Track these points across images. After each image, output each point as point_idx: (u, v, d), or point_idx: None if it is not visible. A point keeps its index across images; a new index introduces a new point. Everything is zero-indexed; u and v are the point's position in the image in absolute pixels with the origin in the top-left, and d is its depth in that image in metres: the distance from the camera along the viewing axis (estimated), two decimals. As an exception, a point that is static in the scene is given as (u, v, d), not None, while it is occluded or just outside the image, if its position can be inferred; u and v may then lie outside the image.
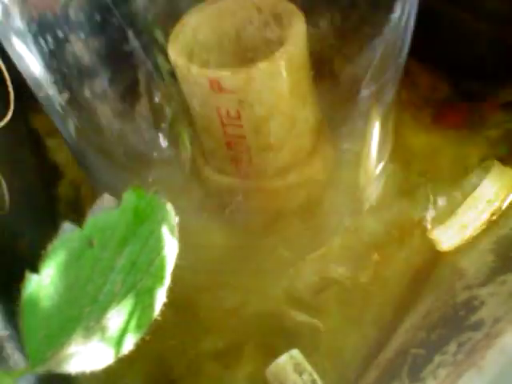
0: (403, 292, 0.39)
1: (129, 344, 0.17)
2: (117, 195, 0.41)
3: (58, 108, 0.36)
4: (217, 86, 0.33)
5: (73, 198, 0.46)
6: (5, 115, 0.32)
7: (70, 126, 0.37)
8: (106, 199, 0.18)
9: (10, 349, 0.26)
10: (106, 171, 0.41)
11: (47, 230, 0.42)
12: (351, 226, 0.43)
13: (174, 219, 0.18)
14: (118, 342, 0.16)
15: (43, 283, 0.16)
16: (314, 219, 0.43)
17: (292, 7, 0.35)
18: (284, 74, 0.33)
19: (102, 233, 0.17)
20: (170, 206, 0.18)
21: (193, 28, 0.37)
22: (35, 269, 0.38)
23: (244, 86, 0.33)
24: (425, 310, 0.32)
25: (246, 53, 0.40)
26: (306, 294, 0.41)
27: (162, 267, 0.17)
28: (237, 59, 0.40)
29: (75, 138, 0.38)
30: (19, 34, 0.31)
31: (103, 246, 0.17)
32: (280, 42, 0.38)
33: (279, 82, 0.34)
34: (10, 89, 0.27)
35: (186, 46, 0.36)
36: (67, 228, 0.17)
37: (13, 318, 0.31)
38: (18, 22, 0.31)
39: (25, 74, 0.33)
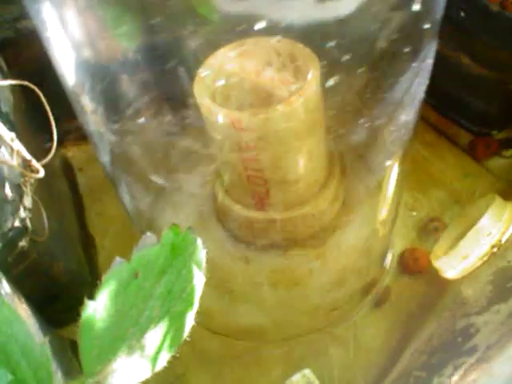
0: (410, 318, 0.41)
1: (163, 361, 0.20)
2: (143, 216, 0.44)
3: (106, 139, 0.39)
4: (238, 125, 0.36)
5: (100, 226, 0.49)
6: (44, 149, 0.35)
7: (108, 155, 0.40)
8: (149, 237, 0.20)
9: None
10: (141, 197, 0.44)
11: (79, 255, 0.45)
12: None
13: (203, 252, 0.21)
14: (154, 359, 0.19)
15: (98, 309, 0.19)
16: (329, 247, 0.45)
17: (308, 51, 0.38)
18: (300, 114, 0.36)
19: (145, 266, 0.20)
20: (199, 241, 0.21)
21: (216, 69, 0.40)
22: (71, 291, 0.41)
23: (263, 126, 0.36)
24: (428, 335, 0.35)
25: (266, 90, 0.43)
26: (319, 312, 0.43)
27: (191, 294, 0.19)
28: (257, 96, 0.43)
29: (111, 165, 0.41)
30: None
31: (146, 276, 0.19)
32: (297, 80, 0.41)
33: (296, 122, 0.36)
34: (54, 131, 0.31)
35: (209, 86, 0.39)
36: (117, 261, 0.20)
37: (48, 334, 0.34)
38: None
39: (77, 109, 0.36)
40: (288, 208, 0.42)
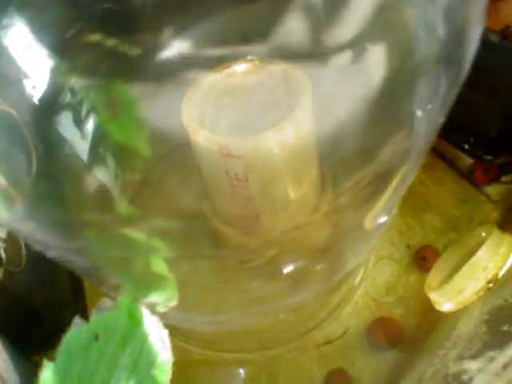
0: (403, 350, 0.40)
1: None
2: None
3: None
4: (226, 151, 0.34)
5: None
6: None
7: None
8: (105, 301, 0.19)
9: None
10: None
11: (61, 282, 0.44)
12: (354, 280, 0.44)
13: (163, 332, 0.19)
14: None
15: (57, 369, 0.18)
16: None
17: (301, 75, 0.37)
18: (291, 141, 0.35)
19: (106, 329, 0.18)
20: (155, 320, 0.19)
21: (205, 90, 0.38)
22: (52, 316, 0.40)
23: (252, 153, 0.34)
24: (420, 375, 0.33)
25: (257, 112, 0.42)
26: (310, 346, 0.42)
27: (162, 372, 0.18)
28: (247, 118, 0.42)
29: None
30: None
31: (107, 341, 0.18)
32: (289, 102, 0.39)
33: (286, 148, 0.35)
34: (33, 155, 0.29)
35: (197, 108, 0.38)
36: (77, 322, 0.19)
37: (26, 370, 0.32)
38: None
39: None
40: (278, 234, 0.41)
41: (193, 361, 0.41)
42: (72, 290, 0.43)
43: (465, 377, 0.28)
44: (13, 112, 0.31)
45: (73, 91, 0.31)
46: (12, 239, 0.33)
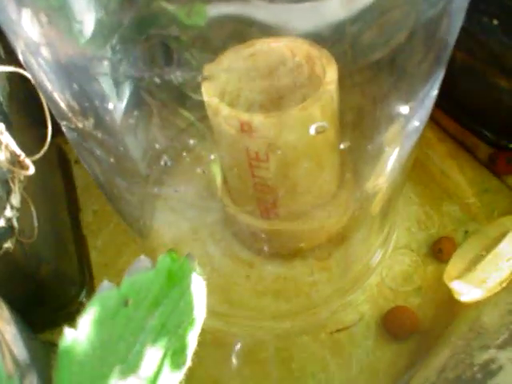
0: (419, 341, 0.39)
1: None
2: (139, 225, 0.42)
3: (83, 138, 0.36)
4: (248, 129, 0.33)
5: (94, 224, 0.47)
6: (41, 143, 0.33)
7: (95, 155, 0.37)
8: (142, 261, 0.18)
9: (31, 380, 0.26)
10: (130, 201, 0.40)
11: (70, 259, 0.43)
12: (372, 268, 0.43)
13: (203, 284, 0.18)
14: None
15: (79, 338, 0.17)
16: (334, 259, 0.43)
17: (325, 53, 0.36)
18: (316, 120, 0.34)
19: (137, 293, 0.17)
20: (199, 271, 0.18)
21: (227, 67, 0.37)
22: (59, 293, 0.39)
23: (275, 131, 0.33)
24: (440, 366, 0.32)
25: (278, 92, 0.41)
26: (323, 332, 0.41)
27: (189, 330, 0.17)
28: (268, 98, 0.41)
29: (99, 167, 0.38)
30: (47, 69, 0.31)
31: (137, 305, 0.17)
32: (311, 84, 0.38)
33: (310, 128, 0.34)
34: (49, 121, 0.28)
35: (218, 85, 0.37)
36: (105, 286, 0.18)
37: (33, 346, 0.31)
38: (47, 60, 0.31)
39: (51, 105, 0.33)
40: (295, 219, 0.40)
41: (205, 342, 0.40)
42: (80, 268, 0.42)
43: (493, 366, 0.27)
44: (28, 76, 0.29)
45: (114, 49, 0.30)
46: (25, 209, 0.32)
